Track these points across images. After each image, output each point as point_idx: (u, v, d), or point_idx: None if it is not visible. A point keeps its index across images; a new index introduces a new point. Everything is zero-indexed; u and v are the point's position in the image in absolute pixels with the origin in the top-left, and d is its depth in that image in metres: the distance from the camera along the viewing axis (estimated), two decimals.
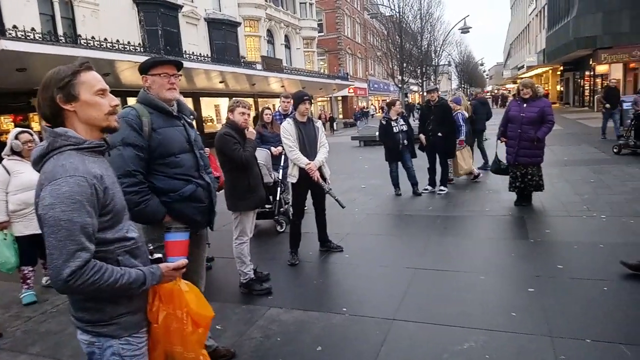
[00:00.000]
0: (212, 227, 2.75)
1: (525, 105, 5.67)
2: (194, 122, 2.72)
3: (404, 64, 26.48)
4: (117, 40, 13.36)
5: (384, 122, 7.30)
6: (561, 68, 33.01)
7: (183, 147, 2.47)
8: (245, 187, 3.69)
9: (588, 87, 27.60)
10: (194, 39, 20.45)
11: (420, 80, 29.04)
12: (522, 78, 34.23)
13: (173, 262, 1.62)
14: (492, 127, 8.92)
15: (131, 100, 14.23)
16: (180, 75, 2.48)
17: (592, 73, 26.71)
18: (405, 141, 7.14)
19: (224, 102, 23.00)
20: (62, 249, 1.28)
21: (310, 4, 33.05)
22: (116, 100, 1.55)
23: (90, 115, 1.45)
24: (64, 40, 12.37)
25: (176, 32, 19.30)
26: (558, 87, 37.06)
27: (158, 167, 2.41)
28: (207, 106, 21.85)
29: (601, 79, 26.08)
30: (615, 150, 9.85)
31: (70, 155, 1.37)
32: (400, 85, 27.30)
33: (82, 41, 12.71)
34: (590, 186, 6.84)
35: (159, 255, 1.66)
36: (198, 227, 2.63)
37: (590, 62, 25.24)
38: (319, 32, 34.84)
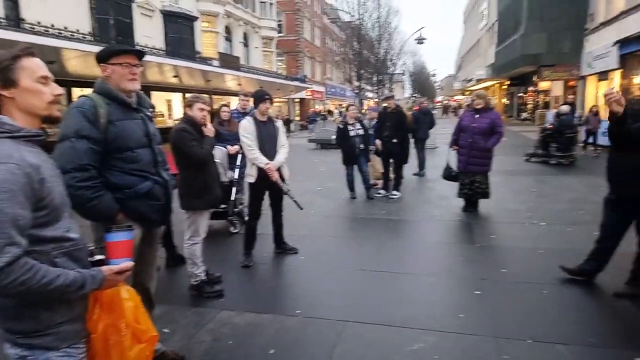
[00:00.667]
0: (168, 225, 2.65)
1: (477, 116, 5.93)
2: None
3: (361, 70, 26.95)
4: (65, 27, 12.59)
5: (341, 126, 7.38)
6: (507, 82, 34.90)
7: (141, 141, 2.35)
8: (201, 186, 3.58)
9: (531, 102, 29.38)
10: (148, 31, 19.68)
11: (376, 88, 29.67)
12: (471, 90, 35.88)
13: (116, 264, 1.49)
14: (442, 136, 9.25)
15: (77, 91, 13.45)
16: (142, 66, 2.36)
17: (535, 89, 28.46)
18: (362, 145, 7.25)
19: (176, 97, 22.28)
20: None
21: (271, 4, 32.84)
22: (59, 90, 1.44)
23: (30, 103, 1.34)
24: (5, 24, 11.49)
25: (129, 23, 18.48)
26: (504, 101, 39.12)
27: (113, 161, 2.28)
28: (159, 100, 21.04)
29: (543, 95, 27.84)
30: (525, 158, 10.86)
31: (4, 142, 1.26)
32: (356, 91, 27.73)
33: (25, 26, 11.85)
34: (532, 195, 7.27)
35: (101, 256, 1.52)
36: (153, 226, 2.52)
37: (534, 79, 26.90)
38: (278, 33, 34.66)
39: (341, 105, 48.61)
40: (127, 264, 1.51)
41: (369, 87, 31.88)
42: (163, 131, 2.80)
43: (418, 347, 2.83)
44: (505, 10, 30.07)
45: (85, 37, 13.41)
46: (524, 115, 25.62)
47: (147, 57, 15.34)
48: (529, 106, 29.27)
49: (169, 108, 22.24)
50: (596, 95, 20.50)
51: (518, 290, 3.65)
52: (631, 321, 3.09)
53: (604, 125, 13.59)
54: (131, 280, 2.11)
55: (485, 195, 6.12)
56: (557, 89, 25.81)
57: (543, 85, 26.54)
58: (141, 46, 16.13)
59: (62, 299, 1.33)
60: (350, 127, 7.26)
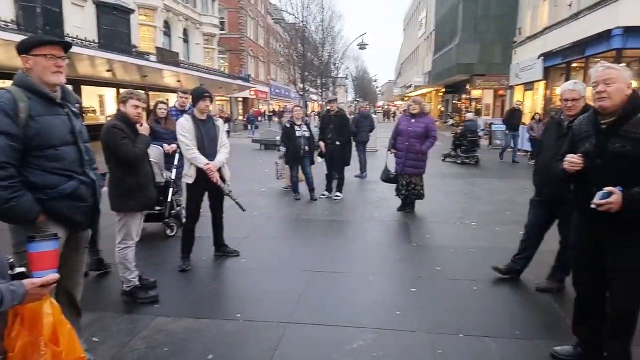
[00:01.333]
0: (95, 229, 2.49)
1: (413, 120, 6.19)
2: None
3: (306, 73, 27.09)
4: None
5: (288, 126, 7.37)
6: (443, 90, 36.73)
7: (65, 138, 2.20)
8: (133, 186, 3.38)
9: (464, 109, 31.13)
10: (80, 22, 18.45)
11: (320, 90, 29.96)
12: (410, 96, 37.34)
13: (40, 277, 1.35)
14: (382, 140, 9.52)
15: None
16: (68, 58, 2.20)
17: (468, 97, 30.20)
18: (307, 147, 7.29)
19: (109, 93, 21.07)
20: None
21: (213, 1, 32.11)
22: None
23: None
24: None
25: (58, 12, 17.22)
26: (440, 107, 41.14)
27: (34, 159, 2.12)
28: (90, 96, 19.79)
29: (475, 103, 29.59)
30: (441, 159, 12.13)
31: None
32: (301, 93, 27.85)
33: None
34: (464, 197, 7.69)
35: (22, 269, 1.38)
36: (79, 229, 2.36)
37: (468, 87, 28.55)
38: (220, 30, 33.94)
39: (286, 106, 48.65)
40: (52, 276, 1.39)
41: (313, 90, 32.11)
42: (94, 128, 2.64)
43: (357, 345, 2.88)
44: (442, 20, 31.67)
45: (7, 25, 12.28)
46: (451, 121, 27.59)
47: (78, 50, 14.42)
48: (462, 113, 30.97)
49: (101, 104, 20.97)
50: (523, 104, 22.12)
51: (451, 287, 3.84)
52: (551, 314, 3.35)
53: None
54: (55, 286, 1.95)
55: (420, 196, 6.40)
56: (488, 97, 27.58)
57: (475, 93, 28.25)
58: (71, 38, 15.07)
59: None
60: (297, 128, 7.27)
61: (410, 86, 48.25)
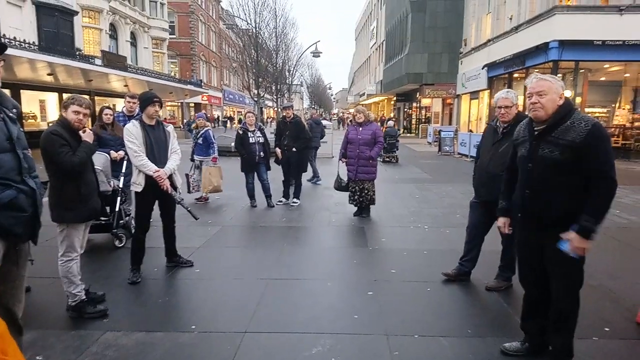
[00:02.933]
0: (35, 240, 2.33)
1: (360, 128, 6.38)
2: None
3: (260, 79, 26.92)
4: None
5: (240, 132, 7.27)
6: (395, 98, 37.78)
7: (2, 145, 2.07)
8: (74, 196, 3.19)
9: (415, 117, 32.19)
10: (17, 23, 17.33)
11: (275, 97, 29.85)
12: (363, 104, 38.05)
13: None
14: (338, 146, 9.62)
15: None
16: (2, 60, 2.06)
17: (418, 105, 31.25)
18: (262, 153, 7.22)
19: (51, 97, 19.90)
20: None
21: (162, 4, 31.27)
22: None
23: None
24: None
25: None
26: (392, 115, 42.24)
27: None
28: (30, 100, 18.60)
29: (425, 111, 30.66)
30: None
31: None
32: (255, 99, 27.61)
33: None
34: (415, 201, 7.93)
35: None
36: (18, 241, 2.20)
37: (418, 95, 29.54)
38: (170, 34, 33.06)
39: (240, 111, 47.98)
40: None
41: (268, 96, 31.94)
42: (35, 134, 2.49)
43: (316, 351, 2.87)
44: (392, 31, 32.65)
45: None
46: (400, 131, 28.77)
47: (16, 52, 13.51)
48: (413, 121, 32.04)
49: (42, 109, 19.74)
50: (469, 111, 23.20)
51: (406, 289, 3.93)
52: (500, 312, 3.51)
53: (475, 138, 15.41)
54: None
55: (372, 201, 6.56)
56: (437, 105, 28.69)
57: (425, 101, 29.30)
58: (8, 39, 14.10)
59: None
60: (250, 134, 7.18)
61: (364, 94, 49.25)
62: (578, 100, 15.23)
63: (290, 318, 3.35)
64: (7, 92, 3.18)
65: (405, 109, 36.30)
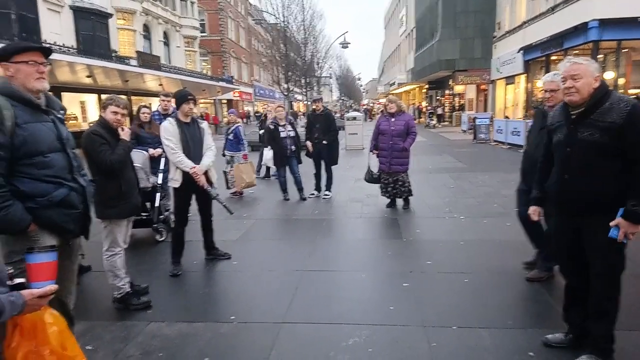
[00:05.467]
0: (87, 236, 2.45)
1: (393, 119, 6.28)
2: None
3: (289, 73, 27.03)
4: None
5: (271, 127, 7.34)
6: (426, 86, 37.02)
7: (53, 145, 2.17)
8: (116, 193, 3.33)
9: (448, 105, 31.44)
10: (57, 28, 18.12)
11: (304, 90, 29.91)
12: (393, 94, 37.52)
13: (38, 287, 1.35)
14: (369, 138, 9.55)
15: None
16: (50, 64, 2.17)
17: (451, 92, 30.50)
18: (293, 147, 7.28)
19: (90, 99, 20.75)
20: None
21: (192, 3, 31.84)
22: None
23: None
24: None
25: (34, 18, 16.89)
26: (424, 104, 41.45)
27: (23, 167, 2.09)
28: (71, 102, 19.46)
29: (459, 98, 29.90)
30: None
31: None
32: (285, 93, 27.78)
33: None
34: (450, 191, 7.78)
35: (21, 280, 1.37)
36: (70, 237, 2.32)
37: (450, 82, 28.83)
38: (201, 33, 33.66)
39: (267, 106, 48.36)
40: (51, 287, 1.38)
41: (297, 90, 32.04)
42: (77, 135, 2.61)
43: (353, 341, 2.89)
44: (422, 17, 31.91)
45: None
46: (433, 122, 27.51)
47: (57, 56, 14.17)
48: (446, 109, 31.26)
49: (82, 110, 20.62)
50: (505, 97, 22.47)
51: (443, 280, 3.88)
52: (542, 303, 3.41)
53: (512, 125, 14.91)
54: None
55: (410, 192, 6.46)
56: (471, 92, 27.91)
57: (458, 88, 28.56)
58: (49, 44, 14.78)
59: None
60: (281, 129, 7.25)
61: (394, 83, 48.53)
62: (621, 81, 14.42)
63: (325, 309, 3.39)
64: (51, 94, 3.37)
65: (438, 97, 35.52)
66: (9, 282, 1.34)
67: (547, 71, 15.84)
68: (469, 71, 25.43)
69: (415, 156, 6.56)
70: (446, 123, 29.60)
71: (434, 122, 27.69)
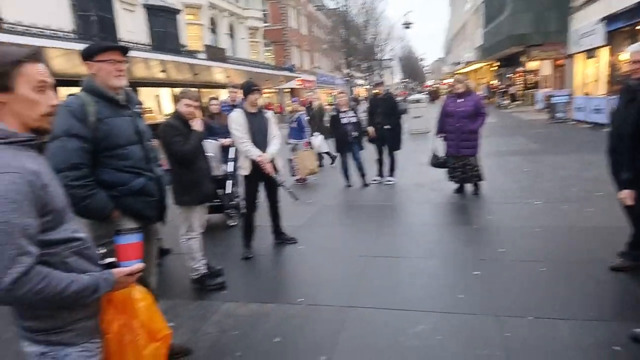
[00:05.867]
0: (164, 221, 2.64)
1: (460, 100, 5.99)
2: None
3: (350, 58, 26.81)
4: (47, 26, 12.36)
5: (333, 113, 7.36)
6: (496, 64, 34.91)
7: (131, 138, 2.34)
8: (190, 181, 3.55)
9: (522, 83, 29.43)
10: (131, 26, 19.36)
11: (365, 74, 29.55)
12: (460, 73, 35.81)
13: (127, 266, 1.49)
14: (434, 120, 9.25)
15: (61, 90, 13.26)
16: (128, 62, 2.33)
17: (524, 69, 28.52)
18: (354, 133, 7.25)
19: (164, 93, 22.03)
20: (1, 254, 1.13)
21: None
22: (55, 100, 1.37)
23: (21, 112, 1.28)
24: None
25: (111, 18, 18.16)
26: (494, 82, 39.19)
27: (105, 159, 2.27)
28: (147, 96, 20.79)
29: (532, 75, 27.92)
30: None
31: (0, 150, 1.21)
32: (346, 79, 27.63)
33: (4, 25, 11.61)
34: (524, 174, 7.33)
35: (112, 259, 1.52)
36: (149, 222, 2.51)
37: (522, 59, 26.93)
38: (264, 23, 34.28)
39: (330, 93, 48.41)
40: (138, 265, 1.51)
41: (358, 74, 31.73)
42: (153, 127, 2.79)
43: (421, 328, 2.86)
44: None
45: (67, 35, 13.16)
46: (506, 102, 25.63)
47: (132, 53, 15.11)
48: (519, 87, 29.27)
49: (157, 104, 21.99)
50: (584, 72, 20.63)
51: (517, 268, 3.70)
52: (629, 294, 3.14)
53: (594, 102, 13.68)
54: None
55: (481, 177, 6.18)
56: (546, 68, 25.91)
57: (531, 65, 26.61)
58: (125, 42, 15.89)
59: (77, 304, 1.33)
60: (342, 115, 7.24)
61: (461, 62, 46.33)
62: None
63: (392, 295, 3.38)
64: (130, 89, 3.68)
65: (509, 75, 33.39)
66: (100, 262, 1.49)
67: (634, 42, 14.27)
68: (544, 46, 23.50)
69: (485, 138, 6.24)
70: (519, 102, 27.76)
71: (507, 101, 25.89)
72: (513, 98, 26.87)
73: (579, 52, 20.72)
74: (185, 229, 3.67)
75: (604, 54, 18.24)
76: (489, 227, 4.86)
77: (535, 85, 26.93)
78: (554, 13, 22.83)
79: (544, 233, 4.47)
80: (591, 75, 20.11)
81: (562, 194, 5.93)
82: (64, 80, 12.51)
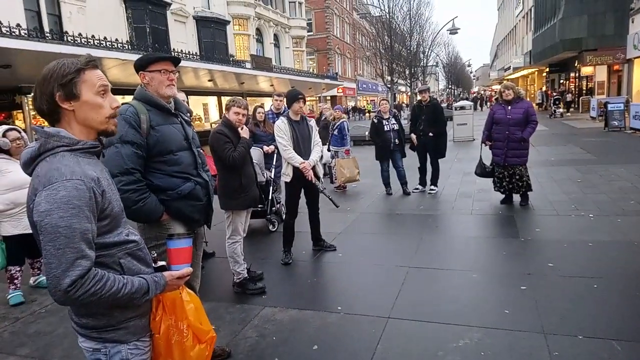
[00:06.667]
0: (209, 225, 2.73)
1: (509, 107, 5.78)
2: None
3: (393, 65, 26.56)
4: (105, 38, 13.17)
5: (375, 121, 7.34)
6: (547, 70, 33.49)
7: (181, 144, 2.44)
8: (237, 187, 3.65)
9: (574, 89, 28.04)
10: (182, 37, 20.28)
11: (408, 81, 29.18)
12: (508, 79, 34.63)
13: (177, 270, 1.55)
14: (479, 128, 8.98)
15: (118, 99, 14.04)
16: (178, 72, 2.45)
17: (577, 75, 27.18)
18: (396, 140, 7.18)
19: (212, 101, 22.83)
20: (61, 257, 1.21)
21: (300, 3, 33.01)
22: (117, 102, 1.46)
23: (88, 117, 1.37)
24: (50, 37, 12.16)
25: (164, 30, 19.12)
26: (544, 89, 37.56)
27: (156, 164, 2.38)
28: (196, 105, 21.65)
29: (586, 81, 26.55)
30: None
31: (64, 157, 1.29)
32: (389, 86, 27.41)
33: (68, 38, 12.49)
34: (577, 185, 6.96)
35: (163, 262, 1.58)
36: (196, 226, 2.61)
37: (576, 64, 25.67)
38: (308, 32, 34.79)
39: (373, 100, 48.29)
40: (187, 269, 1.57)
41: (401, 81, 31.36)
42: (201, 134, 2.89)
43: (463, 343, 2.78)
44: None
45: (124, 46, 13.96)
46: (559, 111, 22.87)
47: (183, 63, 15.83)
48: (573, 94, 27.82)
49: (205, 111, 22.80)
50: None
51: (567, 284, 3.51)
52: None
53: (639, 109, 12.77)
54: None
55: (529, 187, 5.94)
56: (601, 74, 24.53)
57: (586, 70, 25.28)
58: (176, 52, 16.62)
59: (129, 305, 1.40)
60: (384, 122, 7.20)
61: (509, 68, 44.79)
62: None
63: (433, 308, 3.30)
64: (182, 96, 3.89)
65: (561, 80, 31.87)
66: (153, 265, 1.56)
67: None
68: (599, 50, 22.27)
69: (535, 147, 5.98)
70: (571, 109, 26.40)
71: (561, 110, 23.42)
72: (569, 106, 24.86)
73: (638, 57, 19.49)
74: (231, 233, 3.77)
75: None
76: (537, 240, 4.65)
77: (589, 92, 25.56)
78: (610, 16, 21.65)
79: (597, 248, 4.22)
80: None
81: (617, 206, 5.58)
82: (120, 89, 13.32)
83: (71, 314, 1.44)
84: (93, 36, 12.80)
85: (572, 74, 28.05)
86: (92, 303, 1.29)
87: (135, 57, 2.65)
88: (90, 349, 1.43)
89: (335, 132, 8.09)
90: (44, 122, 1.43)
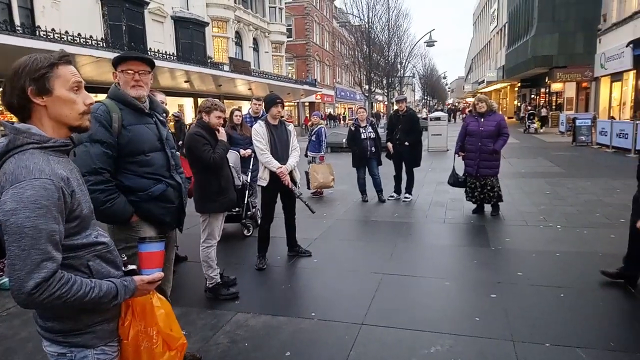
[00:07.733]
0: (181, 228, 2.67)
1: (482, 119, 5.94)
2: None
3: (371, 74, 26.91)
4: (79, 34, 12.82)
5: (352, 129, 7.40)
6: (519, 84, 34.62)
7: (154, 145, 2.39)
8: (216, 189, 3.60)
9: (543, 104, 29.06)
10: (160, 37, 19.94)
11: (386, 91, 29.58)
12: (482, 92, 35.59)
13: (148, 274, 1.50)
14: (453, 139, 9.16)
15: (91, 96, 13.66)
16: (150, 72, 2.39)
17: (547, 90, 28.20)
18: (373, 148, 7.25)
19: (188, 102, 22.49)
20: (25, 258, 1.15)
21: (280, 9, 33.05)
22: (91, 99, 1.41)
23: (62, 113, 1.32)
24: (21, 31, 11.73)
25: (141, 29, 18.75)
26: (515, 103, 38.79)
27: (127, 165, 2.33)
28: (171, 105, 21.26)
29: (556, 96, 27.57)
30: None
31: (34, 155, 1.24)
32: (366, 94, 27.73)
33: (40, 33, 12.09)
34: (546, 197, 7.19)
35: (134, 266, 1.53)
36: (167, 229, 2.55)
37: (546, 80, 26.65)
38: (287, 37, 34.84)
39: (350, 108, 48.66)
40: (159, 274, 1.53)
41: (378, 90, 31.78)
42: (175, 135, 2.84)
43: (435, 350, 2.81)
44: (515, 11, 29.91)
45: (98, 44, 13.61)
46: (533, 127, 22.27)
47: (159, 63, 15.59)
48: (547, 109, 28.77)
49: (180, 113, 22.41)
50: (610, 96, 20.26)
51: (535, 293, 3.61)
52: None
53: (619, 127, 13.41)
54: None
55: (500, 198, 6.10)
56: (570, 90, 25.56)
57: (555, 86, 26.30)
58: (153, 52, 16.34)
59: (97, 309, 1.35)
60: (361, 130, 7.27)
61: (483, 81, 46.09)
62: None
63: (406, 314, 3.33)
64: (161, 97, 3.81)
65: (532, 96, 33.00)
66: (123, 269, 1.51)
67: None
68: (569, 67, 23.25)
69: (506, 159, 6.15)
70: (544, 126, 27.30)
71: (535, 125, 22.45)
72: (545, 122, 24.34)
73: (605, 75, 20.42)
74: (206, 236, 3.70)
75: (631, 77, 17.92)
76: (506, 249, 4.76)
77: (559, 108, 26.54)
78: (580, 35, 22.64)
79: (565, 258, 4.36)
80: (617, 99, 19.75)
81: (584, 218, 5.79)
82: (92, 87, 12.96)
83: (36, 317, 1.38)
84: (67, 32, 12.44)
85: (543, 90, 29.12)
86: (57, 307, 1.24)
87: (110, 55, 2.60)
88: (55, 354, 1.37)
89: (313, 138, 8.12)
90: (12, 118, 1.37)
